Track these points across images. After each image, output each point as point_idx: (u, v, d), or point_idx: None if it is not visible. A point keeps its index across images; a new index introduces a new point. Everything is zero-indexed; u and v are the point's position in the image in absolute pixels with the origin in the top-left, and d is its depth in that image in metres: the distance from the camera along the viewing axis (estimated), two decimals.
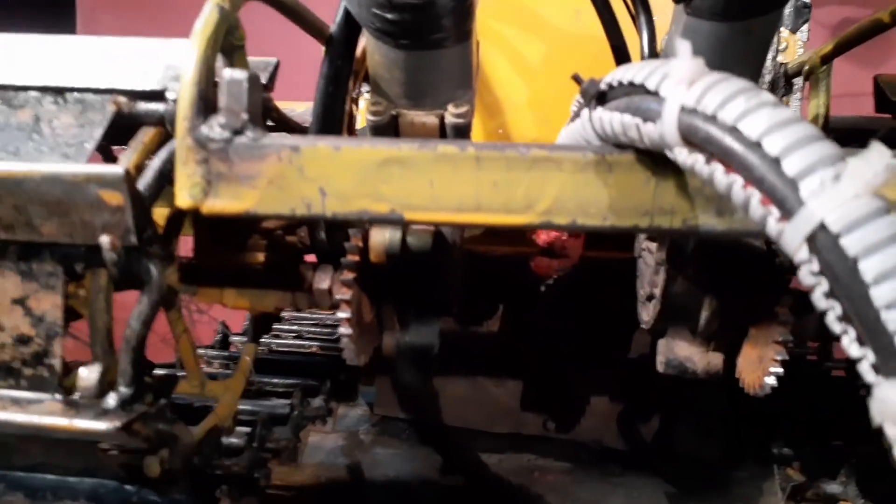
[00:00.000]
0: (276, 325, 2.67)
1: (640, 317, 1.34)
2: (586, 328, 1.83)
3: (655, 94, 0.72)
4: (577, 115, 0.94)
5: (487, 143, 0.83)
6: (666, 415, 1.90)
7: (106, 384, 0.94)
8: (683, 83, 0.68)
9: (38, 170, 0.85)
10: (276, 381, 2.01)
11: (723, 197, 0.81)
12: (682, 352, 1.24)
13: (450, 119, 1.18)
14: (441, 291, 1.26)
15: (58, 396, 0.93)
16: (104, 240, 0.87)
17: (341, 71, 1.23)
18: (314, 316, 3.05)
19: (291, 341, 2.63)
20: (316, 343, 2.65)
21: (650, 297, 1.26)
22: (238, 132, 0.85)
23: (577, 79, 0.89)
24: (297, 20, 1.22)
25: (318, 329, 2.82)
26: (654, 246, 1.24)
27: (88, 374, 0.93)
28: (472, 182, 0.82)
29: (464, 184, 0.82)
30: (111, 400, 0.92)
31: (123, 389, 0.93)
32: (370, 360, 1.27)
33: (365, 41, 1.20)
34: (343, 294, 1.11)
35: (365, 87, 1.40)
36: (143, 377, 0.94)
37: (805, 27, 1.71)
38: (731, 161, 0.63)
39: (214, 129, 0.85)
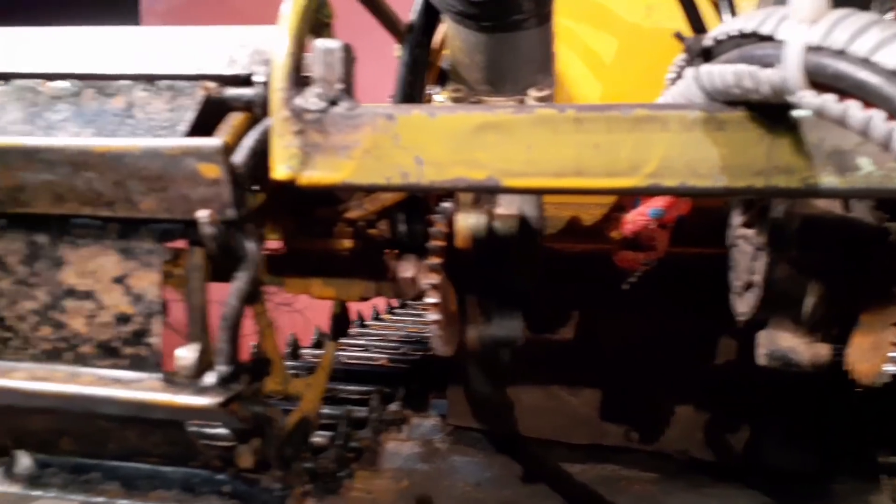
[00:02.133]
0: (344, 340, 2.69)
1: (736, 309, 1.28)
2: (669, 330, 1.76)
3: (770, 38, 0.68)
4: (674, 80, 0.90)
5: (587, 105, 0.80)
6: (756, 423, 1.80)
7: (203, 364, 0.94)
8: (805, 22, 0.64)
9: (137, 144, 0.87)
10: (350, 387, 2.01)
11: (844, 153, 0.76)
12: (786, 342, 1.17)
13: (532, 103, 1.16)
14: (524, 283, 1.23)
15: (157, 375, 0.93)
16: (202, 214, 0.88)
17: (419, 58, 1.23)
18: (379, 332, 3.07)
19: (360, 353, 2.65)
20: (383, 356, 2.66)
21: (748, 287, 1.20)
22: (333, 102, 0.84)
23: (679, 36, 0.86)
24: (375, 10, 1.23)
25: (384, 343, 2.83)
26: (750, 232, 1.18)
27: (186, 354, 0.93)
28: (573, 145, 0.79)
29: (563, 147, 0.79)
30: (210, 378, 0.92)
31: (221, 368, 0.92)
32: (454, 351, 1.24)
33: (445, 28, 1.19)
34: (431, 279, 1.10)
35: (435, 89, 1.40)
36: (238, 356, 0.94)
37: None
38: (868, 95, 0.58)
39: (310, 99, 0.85)
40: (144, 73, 1.06)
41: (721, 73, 0.75)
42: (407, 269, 1.20)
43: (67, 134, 1.01)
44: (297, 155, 0.85)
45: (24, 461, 1.20)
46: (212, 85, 1.04)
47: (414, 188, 0.85)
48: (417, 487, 1.57)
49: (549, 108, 0.80)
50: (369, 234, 1.25)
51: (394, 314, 3.40)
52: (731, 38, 0.76)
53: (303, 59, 0.88)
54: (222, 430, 1.28)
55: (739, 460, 1.81)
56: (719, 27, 0.79)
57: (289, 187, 1.00)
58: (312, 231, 1.16)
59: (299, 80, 0.86)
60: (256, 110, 1.02)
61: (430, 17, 1.20)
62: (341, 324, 1.51)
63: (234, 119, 1.03)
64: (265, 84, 1.01)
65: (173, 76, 1.05)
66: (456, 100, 1.18)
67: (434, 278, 1.10)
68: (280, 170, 0.86)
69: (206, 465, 1.13)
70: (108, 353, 0.96)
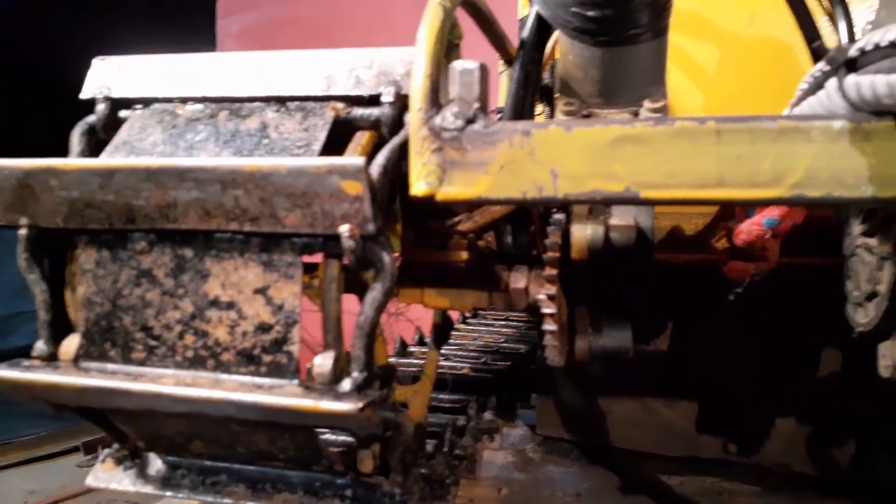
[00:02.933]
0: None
1: (854, 319, 1.25)
2: (769, 341, 1.73)
3: None
4: (808, 91, 0.90)
5: (727, 116, 0.81)
6: (863, 436, 1.75)
7: (339, 371, 0.98)
8: None
9: (284, 163, 0.92)
10: (441, 396, 2.04)
11: None
12: None
13: (647, 115, 1.17)
14: (635, 294, 1.23)
15: (294, 382, 0.98)
16: (343, 228, 0.92)
17: (531, 75, 1.26)
18: (457, 342, 3.10)
19: (442, 362, 2.68)
20: (465, 365, 2.68)
21: (870, 297, 1.17)
22: (470, 120, 0.87)
23: (819, 48, 0.86)
24: (487, 29, 1.26)
25: (463, 353, 2.86)
26: (873, 241, 1.16)
27: (323, 361, 0.97)
28: (714, 156, 0.80)
29: (704, 158, 0.80)
30: (346, 385, 0.96)
31: (356, 374, 0.96)
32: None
33: (558, 43, 1.21)
34: (548, 290, 1.11)
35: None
36: (374, 363, 0.97)
37: None
38: None
39: (447, 118, 0.88)
40: (275, 95, 1.12)
41: (872, 83, 0.74)
42: (519, 279, 1.22)
43: (207, 153, 1.07)
44: (436, 172, 0.89)
45: (155, 463, 1.27)
46: (340, 105, 1.09)
47: (549, 201, 0.87)
48: (517, 496, 1.58)
49: (689, 121, 0.80)
50: (480, 245, 1.28)
51: (468, 324, 3.43)
52: (880, 48, 0.75)
53: (440, 80, 0.91)
54: (341, 436, 1.32)
55: (845, 475, 1.76)
56: (866, 38, 0.78)
57: (410, 202, 1.04)
58: (428, 243, 1.19)
59: (437, 98, 0.90)
60: (383, 129, 1.06)
61: (542, 33, 1.22)
62: (443, 333, 1.54)
63: (362, 138, 1.07)
64: (392, 104, 1.06)
65: (303, 97, 1.10)
66: (568, 113, 1.19)
67: (550, 289, 1.12)
68: (418, 186, 0.89)
69: (328, 470, 1.17)
70: (248, 360, 1.01)
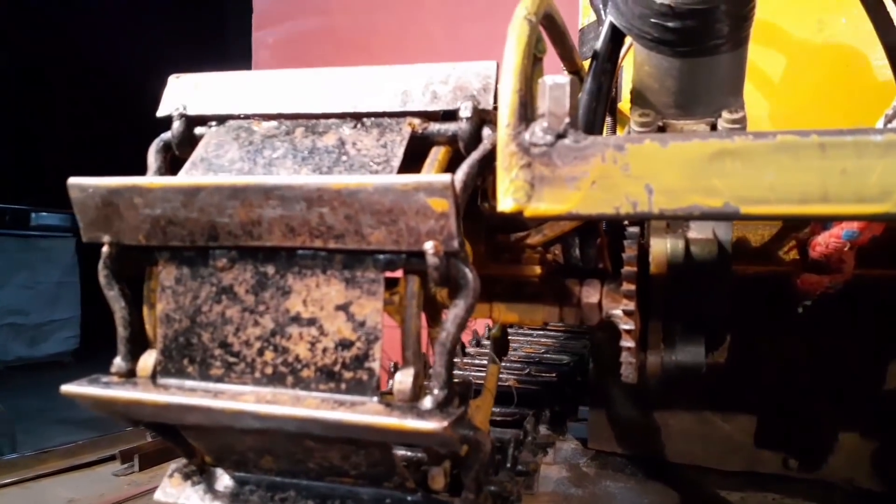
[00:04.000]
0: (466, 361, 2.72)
1: None
2: (832, 353, 1.69)
3: None
4: None
5: (831, 130, 0.79)
6: None
7: (417, 387, 0.97)
8: None
9: (371, 181, 0.91)
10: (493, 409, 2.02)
11: None
12: None
13: (725, 126, 1.15)
14: (712, 308, 1.21)
15: (375, 399, 0.97)
16: (428, 245, 0.91)
17: (603, 85, 1.24)
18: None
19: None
20: (511, 376, 2.67)
21: None
22: (561, 136, 0.86)
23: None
24: (559, 42, 1.25)
25: (506, 363, 2.84)
26: None
27: (403, 378, 0.97)
28: (817, 171, 0.78)
29: (807, 173, 0.78)
30: (428, 402, 0.95)
31: (437, 392, 0.95)
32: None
33: (634, 54, 1.20)
34: (625, 305, 1.10)
35: None
36: (454, 380, 0.97)
37: None
38: None
39: (537, 133, 0.87)
40: (351, 112, 1.12)
41: None
42: (591, 294, 1.20)
43: (286, 170, 1.07)
44: (524, 188, 0.88)
45: (223, 478, 1.27)
46: (416, 121, 1.08)
47: (644, 217, 0.85)
48: None
49: (791, 135, 0.79)
50: (551, 259, 1.27)
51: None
52: None
53: (528, 95, 0.90)
54: (408, 452, 1.31)
55: None
56: None
57: (481, 216, 1.03)
58: (501, 258, 1.18)
59: (524, 115, 0.89)
60: (460, 144, 1.06)
61: (615, 44, 1.21)
62: (502, 346, 1.53)
63: (439, 153, 1.07)
64: (470, 119, 1.05)
65: (379, 113, 1.10)
66: (644, 124, 1.18)
67: (628, 305, 1.10)
68: (506, 202, 0.89)
69: (399, 486, 1.16)
70: (328, 377, 1.00)
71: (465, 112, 1.05)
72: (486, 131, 1.05)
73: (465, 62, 1.11)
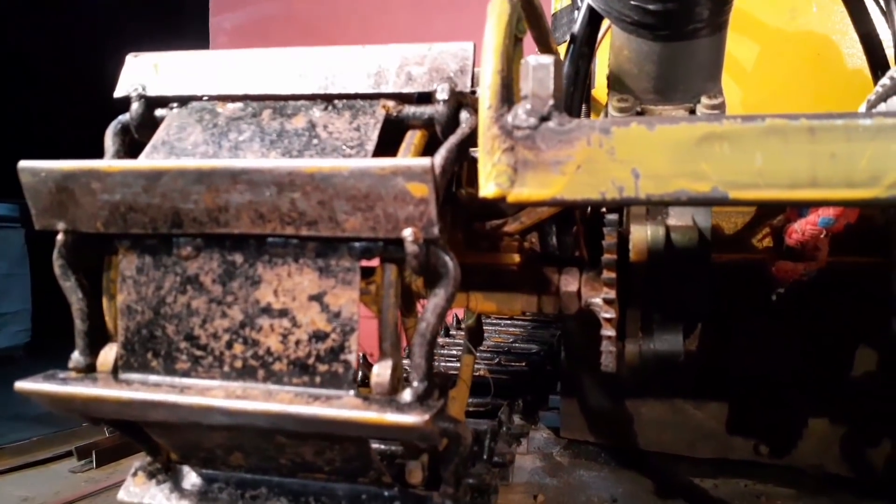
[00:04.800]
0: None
1: None
2: (801, 340, 1.70)
3: None
4: (892, 90, 0.87)
5: (822, 114, 0.77)
6: None
7: (395, 380, 0.94)
8: None
9: (346, 165, 0.87)
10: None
11: None
12: None
13: (704, 112, 1.14)
14: (691, 296, 1.20)
15: (351, 392, 0.93)
16: (407, 232, 0.87)
17: (580, 70, 1.22)
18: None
19: (456, 364, 2.64)
20: (480, 366, 2.64)
21: None
22: (545, 118, 0.83)
23: (868, 39, 0.83)
24: (535, 24, 1.21)
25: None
26: None
27: (381, 371, 0.93)
28: (806, 155, 0.77)
29: (796, 157, 0.77)
30: (407, 395, 0.91)
31: (417, 384, 0.92)
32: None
33: (612, 38, 1.17)
34: (606, 293, 1.08)
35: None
36: (433, 372, 0.93)
37: None
38: None
39: (520, 116, 0.84)
40: (322, 93, 1.07)
41: None
42: (570, 283, 1.18)
43: (254, 154, 1.02)
44: (507, 172, 0.84)
45: (190, 476, 1.22)
46: (391, 103, 1.04)
47: (630, 202, 0.83)
48: (554, 503, 1.54)
49: (780, 119, 0.77)
50: (528, 247, 1.24)
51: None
52: None
53: (510, 77, 0.87)
54: (383, 446, 1.28)
55: (880, 476, 1.74)
56: None
57: (458, 202, 0.99)
58: (478, 245, 1.15)
59: (509, 94, 0.86)
60: (437, 128, 1.02)
61: (593, 27, 1.18)
62: (476, 336, 1.50)
63: (415, 137, 1.03)
64: (447, 102, 1.01)
65: (352, 95, 1.06)
66: (622, 110, 1.16)
67: (609, 293, 1.08)
68: (488, 188, 0.85)
69: (375, 481, 1.12)
70: (302, 370, 0.96)
71: (442, 94, 1.01)
72: (463, 114, 1.02)
73: (441, 43, 1.07)
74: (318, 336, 0.95)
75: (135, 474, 1.22)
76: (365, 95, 1.06)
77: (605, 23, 1.22)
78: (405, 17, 5.65)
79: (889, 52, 1.20)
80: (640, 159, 0.81)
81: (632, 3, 1.03)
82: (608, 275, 1.08)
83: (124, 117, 1.14)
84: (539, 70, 0.84)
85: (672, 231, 1.09)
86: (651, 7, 1.02)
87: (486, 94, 0.86)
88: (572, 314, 1.22)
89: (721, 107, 1.13)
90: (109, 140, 1.12)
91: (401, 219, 0.88)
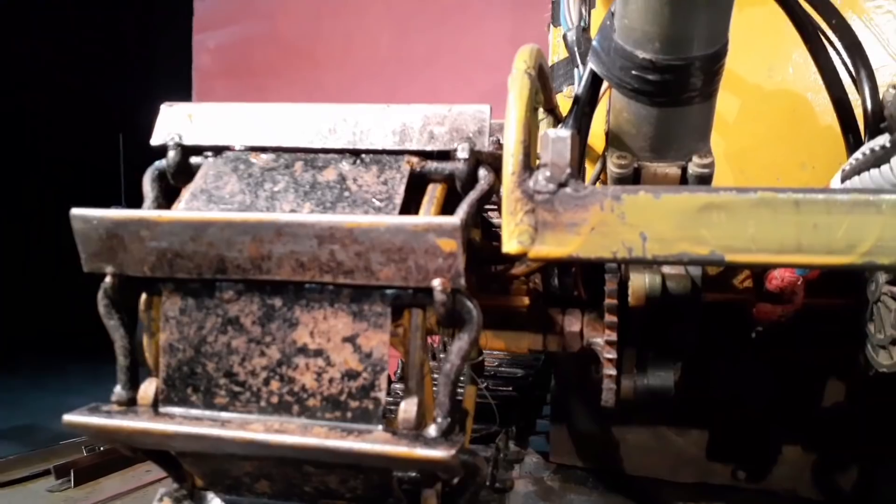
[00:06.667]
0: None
1: (877, 361, 1.35)
2: (781, 374, 1.83)
3: None
4: (868, 163, 0.99)
5: (805, 189, 0.89)
6: (865, 464, 1.86)
7: (421, 416, 1.03)
8: None
9: (383, 221, 0.97)
10: None
11: None
12: None
13: (695, 169, 1.26)
14: (683, 335, 1.31)
15: (380, 427, 1.02)
16: (436, 282, 0.97)
17: (583, 129, 1.33)
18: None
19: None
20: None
21: (895, 342, 1.27)
22: (563, 184, 0.94)
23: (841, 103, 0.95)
24: (542, 87, 1.33)
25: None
26: None
27: (408, 407, 1.02)
28: (792, 225, 0.88)
29: (784, 226, 0.88)
30: (432, 430, 1.00)
31: (441, 420, 1.01)
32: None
33: (612, 101, 1.29)
34: (608, 336, 1.18)
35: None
36: (456, 409, 1.02)
37: None
38: None
39: (540, 182, 0.94)
40: (350, 148, 1.16)
41: None
42: (573, 323, 1.28)
43: (289, 204, 1.11)
44: (528, 231, 0.95)
45: (215, 502, 1.28)
46: (414, 159, 1.14)
47: (638, 261, 0.93)
48: None
49: (769, 192, 0.88)
50: (532, 287, 1.34)
51: None
52: None
53: (531, 145, 0.97)
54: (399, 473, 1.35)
55: (849, 499, 1.86)
56: None
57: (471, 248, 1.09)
58: (490, 288, 1.25)
59: (527, 163, 0.96)
60: (457, 183, 1.12)
61: (594, 90, 1.29)
62: (477, 366, 1.59)
63: (436, 191, 1.13)
64: (466, 160, 1.12)
65: (378, 151, 1.15)
66: (621, 167, 1.27)
67: (610, 335, 1.18)
68: (511, 244, 0.95)
69: None
70: (334, 406, 1.04)
71: (463, 153, 1.11)
72: (481, 171, 1.12)
73: (460, 104, 1.17)
74: (351, 375, 1.03)
75: (161, 500, 1.29)
76: (391, 151, 1.16)
77: (604, 84, 1.33)
78: (387, 38, 5.77)
79: (860, 117, 1.33)
80: (647, 224, 0.92)
81: (633, 72, 1.15)
82: (610, 318, 1.18)
83: (161, 164, 1.22)
84: (557, 142, 0.94)
85: (667, 279, 1.20)
86: (650, 77, 1.14)
87: (510, 161, 0.96)
88: (580, 352, 1.33)
89: (710, 166, 1.25)
90: (148, 186, 1.20)
91: (430, 270, 0.97)
